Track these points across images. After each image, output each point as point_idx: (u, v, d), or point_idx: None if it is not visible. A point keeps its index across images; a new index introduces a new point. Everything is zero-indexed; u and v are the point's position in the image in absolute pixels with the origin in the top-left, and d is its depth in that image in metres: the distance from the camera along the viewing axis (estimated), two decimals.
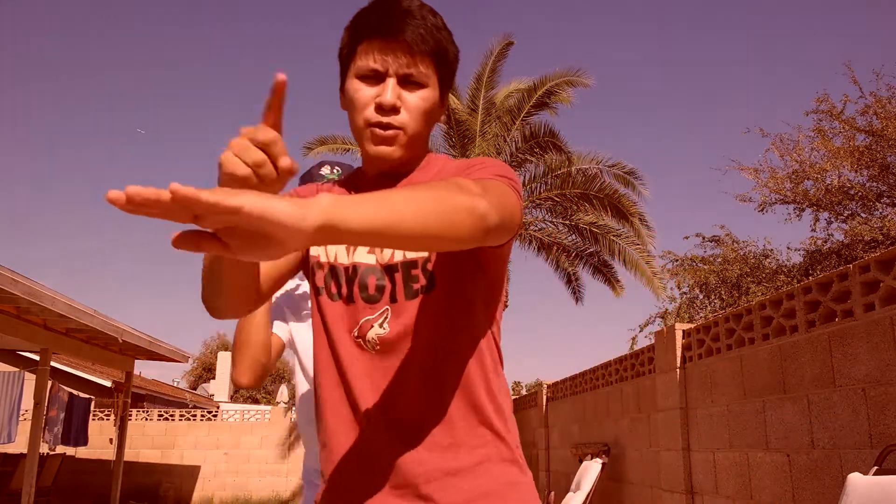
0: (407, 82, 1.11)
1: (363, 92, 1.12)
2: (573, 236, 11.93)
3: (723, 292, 11.09)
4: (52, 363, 9.25)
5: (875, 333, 3.22)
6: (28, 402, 8.57)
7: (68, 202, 51.14)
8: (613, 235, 11.30)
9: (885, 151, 9.92)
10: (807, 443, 3.65)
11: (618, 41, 46.73)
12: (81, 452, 12.54)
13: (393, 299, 1.12)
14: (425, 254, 1.11)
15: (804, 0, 34.29)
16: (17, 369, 8.61)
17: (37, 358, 8.36)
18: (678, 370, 5.14)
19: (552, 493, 6.83)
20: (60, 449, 10.28)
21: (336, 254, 1.16)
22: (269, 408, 17.09)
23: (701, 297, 11.58)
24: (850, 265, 3.44)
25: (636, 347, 9.54)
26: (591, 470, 6.42)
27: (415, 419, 1.10)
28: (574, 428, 8.03)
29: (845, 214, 10.56)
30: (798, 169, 10.86)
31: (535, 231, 12.08)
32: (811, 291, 3.70)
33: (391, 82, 1.10)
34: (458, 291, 1.13)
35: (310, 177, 1.79)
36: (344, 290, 1.14)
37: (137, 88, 48.88)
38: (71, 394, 10.03)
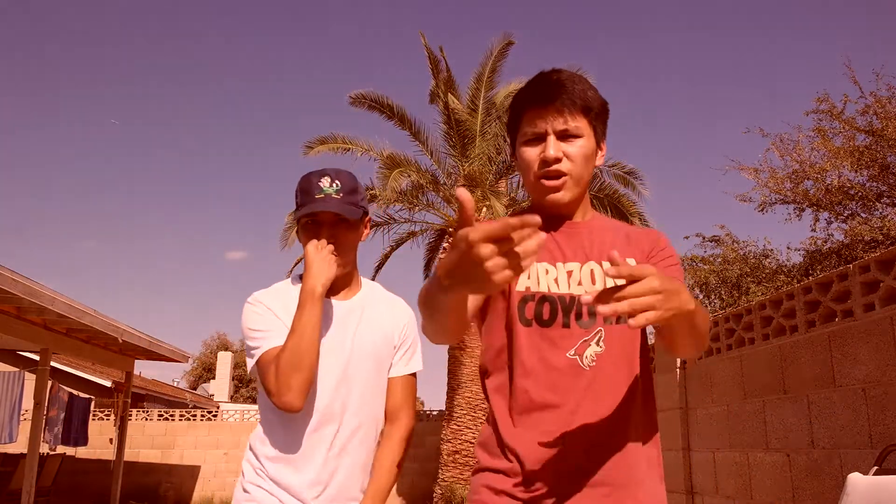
0: (565, 137, 1.33)
1: (529, 153, 1.35)
2: None
3: (723, 292, 11.09)
4: (52, 363, 9.25)
5: (875, 333, 3.21)
6: (28, 402, 8.57)
7: (69, 202, 51.16)
8: None
9: (885, 151, 9.92)
10: (807, 443, 3.65)
11: (618, 41, 46.76)
12: (81, 452, 12.53)
13: (605, 322, 1.31)
14: None
15: (804, 0, 34.29)
16: (17, 369, 8.61)
17: (37, 358, 8.36)
18: (678, 370, 5.13)
19: None
20: (60, 449, 10.28)
21: (548, 285, 1.33)
22: None
23: (701, 297, 11.57)
24: (850, 265, 3.44)
25: None
26: None
27: (620, 427, 1.29)
28: None
29: (845, 214, 10.56)
30: (798, 169, 10.86)
31: None
32: (811, 291, 3.70)
33: (551, 139, 1.32)
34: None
35: (308, 184, 1.69)
36: (560, 316, 1.31)
37: (138, 86, 48.88)
38: (71, 394, 10.02)
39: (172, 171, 53.99)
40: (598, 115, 1.36)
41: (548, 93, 1.32)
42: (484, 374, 1.41)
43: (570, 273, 1.34)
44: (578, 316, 1.31)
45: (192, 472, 14.84)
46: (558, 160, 1.32)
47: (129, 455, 13.40)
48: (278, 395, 1.56)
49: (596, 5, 47.98)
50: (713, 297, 11.40)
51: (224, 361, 29.88)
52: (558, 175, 1.33)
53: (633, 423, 1.31)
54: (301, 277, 1.73)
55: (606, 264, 1.33)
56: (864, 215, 10.27)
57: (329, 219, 1.67)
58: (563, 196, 1.35)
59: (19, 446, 9.45)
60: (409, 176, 10.75)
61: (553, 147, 1.31)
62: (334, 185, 1.67)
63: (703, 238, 11.67)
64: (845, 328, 3.42)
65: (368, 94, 11.46)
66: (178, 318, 58.82)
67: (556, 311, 1.31)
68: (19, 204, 48.99)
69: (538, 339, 1.30)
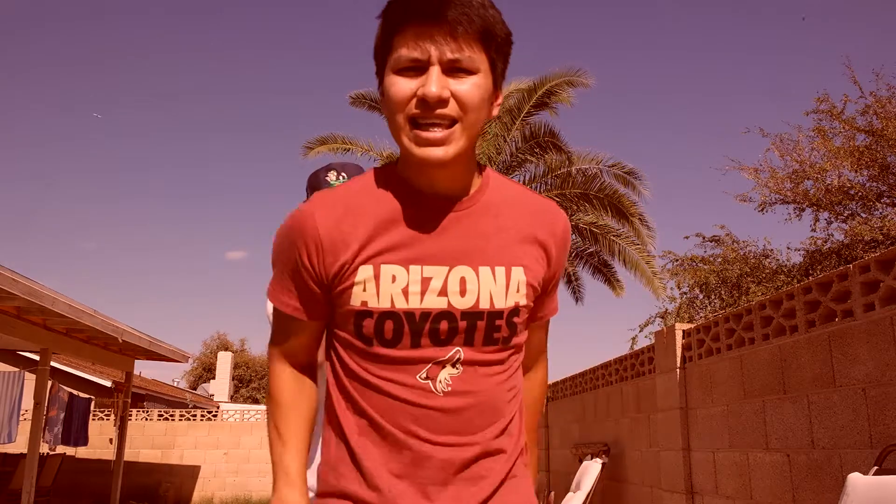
0: (454, 70, 0.96)
1: (402, 85, 0.97)
2: (573, 236, 11.92)
3: (723, 292, 11.09)
4: (52, 363, 9.25)
5: (875, 333, 3.22)
6: (28, 402, 8.58)
7: (69, 202, 51.17)
8: (613, 235, 11.29)
9: (885, 151, 9.92)
10: (807, 443, 3.65)
11: (618, 41, 46.75)
12: (81, 452, 12.54)
13: (469, 343, 1.05)
14: (512, 305, 1.07)
15: (804, 0, 34.29)
16: (17, 369, 8.61)
17: (37, 358, 8.36)
18: (678, 370, 5.14)
19: (552, 494, 6.83)
20: (60, 449, 10.28)
21: (392, 298, 1.02)
22: None
23: (701, 297, 11.58)
24: (850, 265, 3.44)
25: (636, 347, 9.55)
26: (591, 470, 6.41)
27: (472, 456, 1.07)
28: (574, 428, 8.03)
29: (845, 214, 10.56)
30: (798, 169, 10.87)
31: None
32: (811, 291, 3.70)
33: (435, 71, 0.95)
34: (522, 338, 1.14)
35: (316, 181, 1.74)
36: (407, 335, 1.03)
37: (137, 85, 48.90)
38: (71, 394, 10.03)
39: (172, 171, 54.03)
40: (500, 45, 1.01)
41: (436, 4, 0.94)
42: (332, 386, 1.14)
43: (427, 280, 1.03)
44: (433, 332, 1.03)
45: (192, 472, 14.84)
46: (443, 101, 0.95)
47: (129, 455, 13.40)
48: None
49: (596, 5, 48.01)
50: (713, 297, 11.40)
51: (224, 361, 29.88)
52: (443, 122, 0.96)
53: (489, 455, 1.08)
54: None
55: (486, 270, 1.06)
56: (864, 215, 10.27)
57: None
58: (445, 152, 0.97)
59: (19, 446, 9.45)
60: None
61: (436, 82, 0.94)
62: (340, 177, 1.72)
63: (703, 238, 11.68)
64: (845, 328, 3.42)
65: (369, 93, 11.47)
66: (178, 318, 58.85)
67: (401, 331, 1.03)
68: (19, 204, 49.02)
69: (380, 360, 1.05)
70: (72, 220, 50.59)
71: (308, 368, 1.17)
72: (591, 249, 11.92)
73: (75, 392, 10.50)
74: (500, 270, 1.06)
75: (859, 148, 10.13)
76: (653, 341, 5.87)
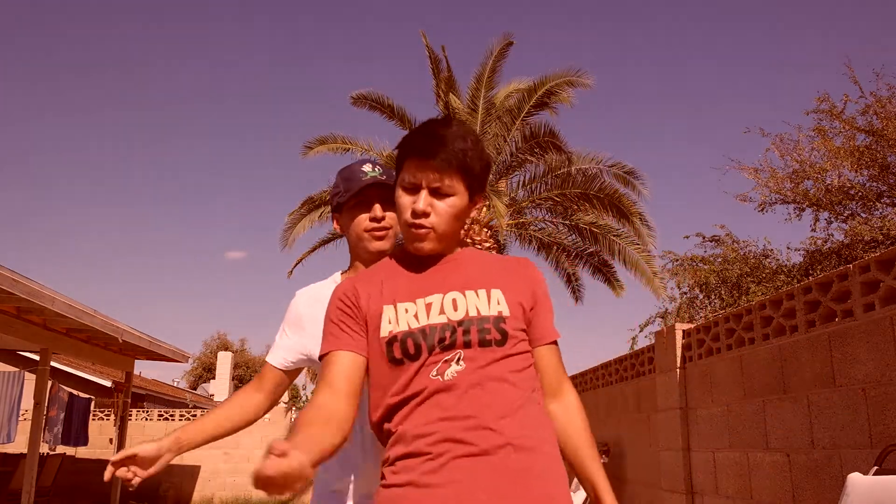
0: (437, 193, 1.41)
1: (404, 199, 1.44)
2: (573, 236, 11.93)
3: (723, 292, 11.09)
4: (52, 363, 9.25)
5: (875, 333, 3.21)
6: (28, 402, 8.57)
7: (69, 202, 51.15)
8: (613, 235, 11.29)
9: (885, 151, 9.93)
10: (807, 443, 3.65)
11: (618, 41, 46.74)
12: (81, 452, 12.52)
13: (467, 345, 1.36)
14: (496, 313, 1.39)
15: (804, 0, 34.26)
16: (17, 369, 8.61)
17: (37, 358, 8.36)
18: (678, 370, 5.14)
19: None
20: (60, 449, 10.28)
21: (408, 322, 1.39)
22: None
23: (701, 297, 11.58)
24: (850, 265, 3.44)
25: (636, 347, 9.55)
26: None
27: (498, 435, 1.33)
28: None
29: (845, 214, 10.56)
30: (798, 169, 10.88)
31: (535, 231, 12.08)
32: (811, 291, 3.69)
33: (423, 193, 1.41)
34: (521, 347, 1.42)
35: (350, 173, 1.80)
36: (424, 346, 1.37)
37: (138, 85, 48.88)
38: (71, 394, 10.03)
39: (172, 171, 54.01)
40: (477, 174, 1.44)
41: (430, 148, 1.39)
42: (378, 428, 1.42)
43: (429, 305, 1.41)
44: (441, 341, 1.37)
45: (192, 472, 14.84)
46: (426, 214, 1.41)
47: None
48: None
49: (596, 5, 47.99)
50: (713, 297, 11.41)
51: (224, 361, 29.88)
52: (423, 227, 1.42)
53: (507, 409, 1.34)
54: (340, 275, 1.87)
55: (471, 292, 1.42)
56: (864, 215, 10.27)
57: (379, 196, 1.77)
58: (424, 246, 1.44)
59: (19, 446, 9.45)
60: None
61: (423, 201, 1.40)
62: (377, 169, 1.81)
63: (703, 238, 11.68)
64: (845, 328, 3.42)
65: (370, 94, 11.47)
66: (178, 318, 58.85)
67: (419, 345, 1.37)
68: (19, 203, 49.02)
69: (410, 373, 1.36)
70: (72, 220, 50.61)
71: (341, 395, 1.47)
72: (591, 249, 11.92)
73: (75, 392, 10.51)
74: (482, 291, 1.43)
75: (859, 148, 10.13)
76: (653, 341, 5.87)
